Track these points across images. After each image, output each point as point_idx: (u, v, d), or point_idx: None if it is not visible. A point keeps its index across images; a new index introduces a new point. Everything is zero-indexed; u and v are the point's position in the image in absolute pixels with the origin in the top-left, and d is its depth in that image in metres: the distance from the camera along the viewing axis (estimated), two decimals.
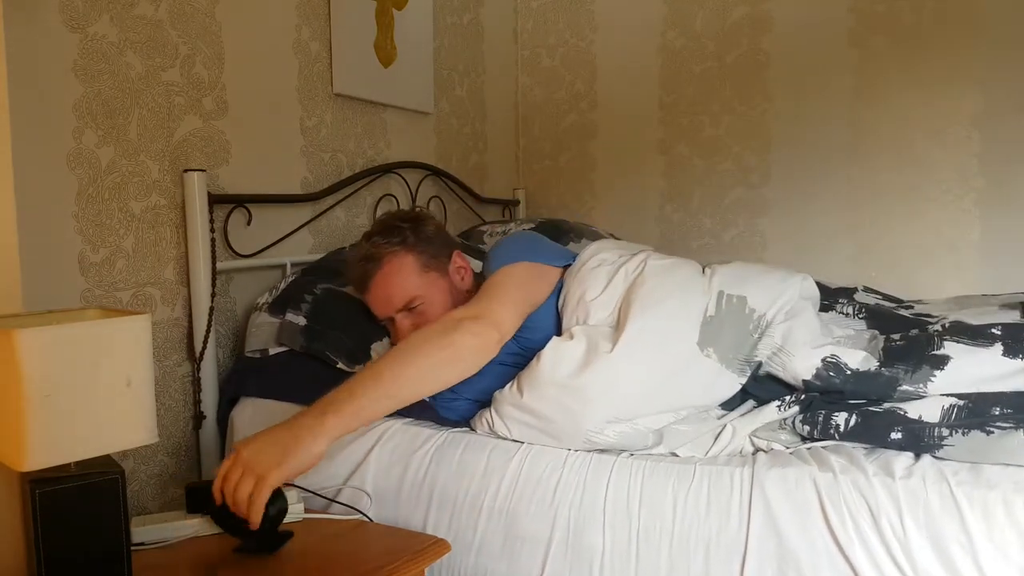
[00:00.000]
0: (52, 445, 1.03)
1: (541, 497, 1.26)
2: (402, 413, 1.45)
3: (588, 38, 2.84)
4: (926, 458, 1.14)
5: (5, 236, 1.30)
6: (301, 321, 1.56)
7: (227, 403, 1.61)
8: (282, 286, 1.67)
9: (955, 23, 2.29)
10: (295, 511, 1.25)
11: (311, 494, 1.39)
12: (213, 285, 1.58)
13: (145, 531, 1.24)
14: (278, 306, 1.61)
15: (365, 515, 1.35)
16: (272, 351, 1.59)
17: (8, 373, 1.00)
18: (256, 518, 1.05)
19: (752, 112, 2.59)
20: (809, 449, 1.22)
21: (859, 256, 2.47)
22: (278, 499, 1.17)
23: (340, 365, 1.50)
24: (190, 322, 1.60)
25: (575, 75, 2.87)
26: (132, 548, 1.12)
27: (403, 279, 1.45)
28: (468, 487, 1.31)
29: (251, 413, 1.53)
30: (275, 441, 1.08)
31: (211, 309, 1.58)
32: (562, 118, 2.90)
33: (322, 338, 1.53)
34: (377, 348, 1.52)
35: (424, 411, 1.45)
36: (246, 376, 1.57)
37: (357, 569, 1.15)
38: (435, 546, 1.24)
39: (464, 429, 1.40)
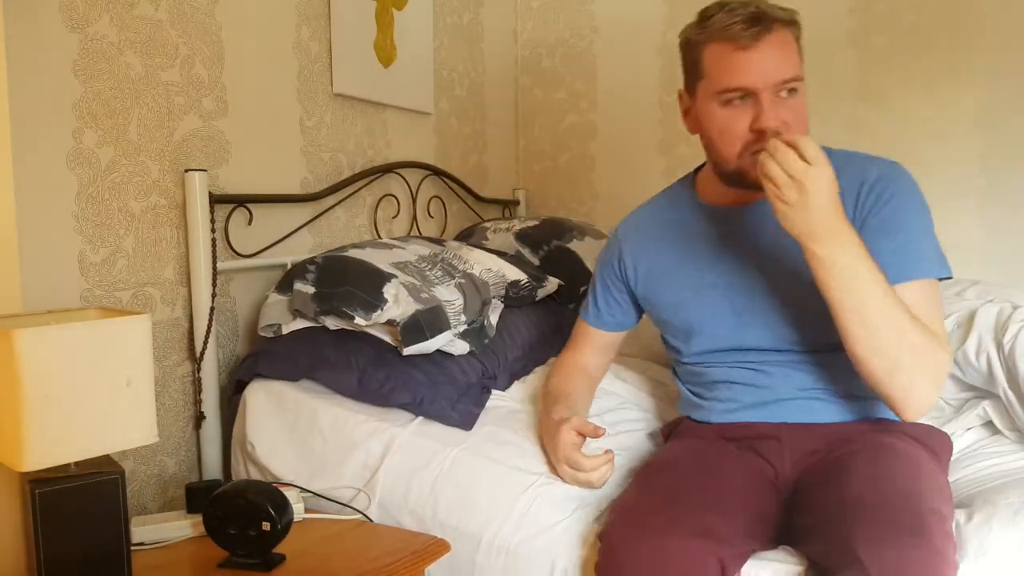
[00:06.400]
0: (52, 445, 1.03)
1: (543, 545, 1.23)
2: (414, 412, 1.45)
3: (588, 38, 2.83)
4: None
5: (5, 236, 1.30)
6: (310, 289, 1.59)
7: (235, 385, 1.63)
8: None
9: (955, 23, 2.29)
10: (295, 511, 1.25)
11: (311, 494, 1.39)
12: (214, 285, 1.58)
13: (145, 531, 1.25)
14: (285, 284, 1.65)
15: (365, 515, 1.35)
16: (286, 329, 1.62)
17: (8, 373, 1.00)
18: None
19: None
20: None
21: None
22: (286, 510, 1.17)
23: (357, 320, 1.50)
24: (190, 322, 1.60)
25: (575, 75, 2.86)
26: (132, 548, 1.12)
27: (792, 53, 1.23)
28: (471, 518, 1.29)
29: (264, 395, 1.55)
30: None
31: (212, 309, 1.58)
32: (562, 118, 2.90)
33: (333, 297, 1.55)
34: (389, 290, 1.52)
35: (435, 400, 1.45)
36: (260, 357, 1.60)
37: (357, 569, 1.15)
38: (435, 546, 1.25)
39: (467, 448, 1.38)
